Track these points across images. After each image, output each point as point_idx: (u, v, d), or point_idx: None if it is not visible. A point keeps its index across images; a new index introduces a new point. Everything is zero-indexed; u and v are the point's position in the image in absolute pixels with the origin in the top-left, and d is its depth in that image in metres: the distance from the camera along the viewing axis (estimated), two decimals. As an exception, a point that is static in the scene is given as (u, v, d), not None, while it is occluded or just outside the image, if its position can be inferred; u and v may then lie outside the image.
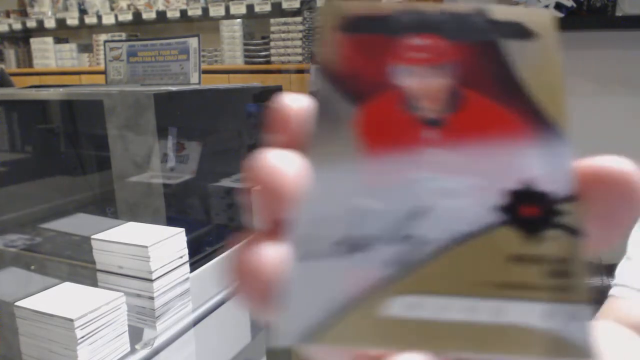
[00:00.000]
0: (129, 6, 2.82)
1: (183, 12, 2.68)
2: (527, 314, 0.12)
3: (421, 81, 0.15)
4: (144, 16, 2.77)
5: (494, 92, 0.15)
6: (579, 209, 0.13)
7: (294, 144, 0.15)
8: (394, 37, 0.16)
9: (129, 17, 2.82)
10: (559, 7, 1.63)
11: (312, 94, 0.15)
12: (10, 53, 3.23)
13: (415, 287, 0.13)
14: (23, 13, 3.12)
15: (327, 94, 0.15)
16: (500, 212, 0.14)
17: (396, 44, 0.16)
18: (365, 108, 0.15)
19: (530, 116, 0.15)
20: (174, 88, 1.03)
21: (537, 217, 0.13)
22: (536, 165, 0.14)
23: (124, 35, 2.87)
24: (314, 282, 0.13)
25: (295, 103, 0.15)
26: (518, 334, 0.12)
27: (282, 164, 0.14)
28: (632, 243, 0.53)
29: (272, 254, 0.13)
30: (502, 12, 0.16)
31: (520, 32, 0.16)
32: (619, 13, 1.61)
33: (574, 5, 1.63)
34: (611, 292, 0.50)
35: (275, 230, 0.14)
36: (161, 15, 2.73)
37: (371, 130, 0.15)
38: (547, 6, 1.63)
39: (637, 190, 0.13)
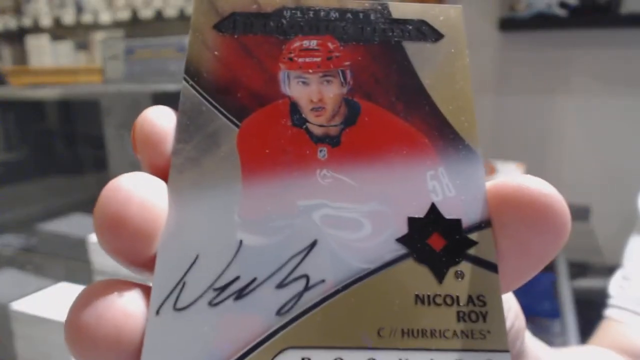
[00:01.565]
0: (126, 4, 2.81)
1: (181, 11, 2.66)
2: None
3: (309, 91, 0.13)
4: (142, 14, 2.76)
5: (393, 102, 0.13)
6: (492, 237, 0.12)
7: (160, 166, 0.12)
8: (279, 38, 0.13)
9: (126, 15, 2.80)
10: (563, 5, 1.62)
11: (183, 107, 0.13)
12: (5, 51, 3.21)
13: (304, 339, 0.11)
14: (18, 11, 3.10)
15: (201, 106, 0.13)
16: (404, 244, 0.12)
17: (281, 47, 0.13)
18: (245, 124, 0.13)
19: (435, 131, 0.13)
20: (172, 87, 1.02)
21: (446, 249, 0.11)
22: (443, 188, 0.12)
23: (121, 34, 2.85)
24: (177, 340, 0.10)
25: (162, 118, 0.13)
26: None
27: (138, 192, 0.11)
28: (630, 260, 0.50)
29: (122, 308, 0.11)
30: (404, 9, 0.14)
31: (424, 32, 0.14)
32: (623, 11, 1.61)
33: (578, 3, 1.62)
34: (607, 313, 0.48)
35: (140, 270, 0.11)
36: (159, 13, 2.72)
37: (252, 151, 0.12)
38: (550, 5, 1.63)
39: (555, 216, 0.11)
